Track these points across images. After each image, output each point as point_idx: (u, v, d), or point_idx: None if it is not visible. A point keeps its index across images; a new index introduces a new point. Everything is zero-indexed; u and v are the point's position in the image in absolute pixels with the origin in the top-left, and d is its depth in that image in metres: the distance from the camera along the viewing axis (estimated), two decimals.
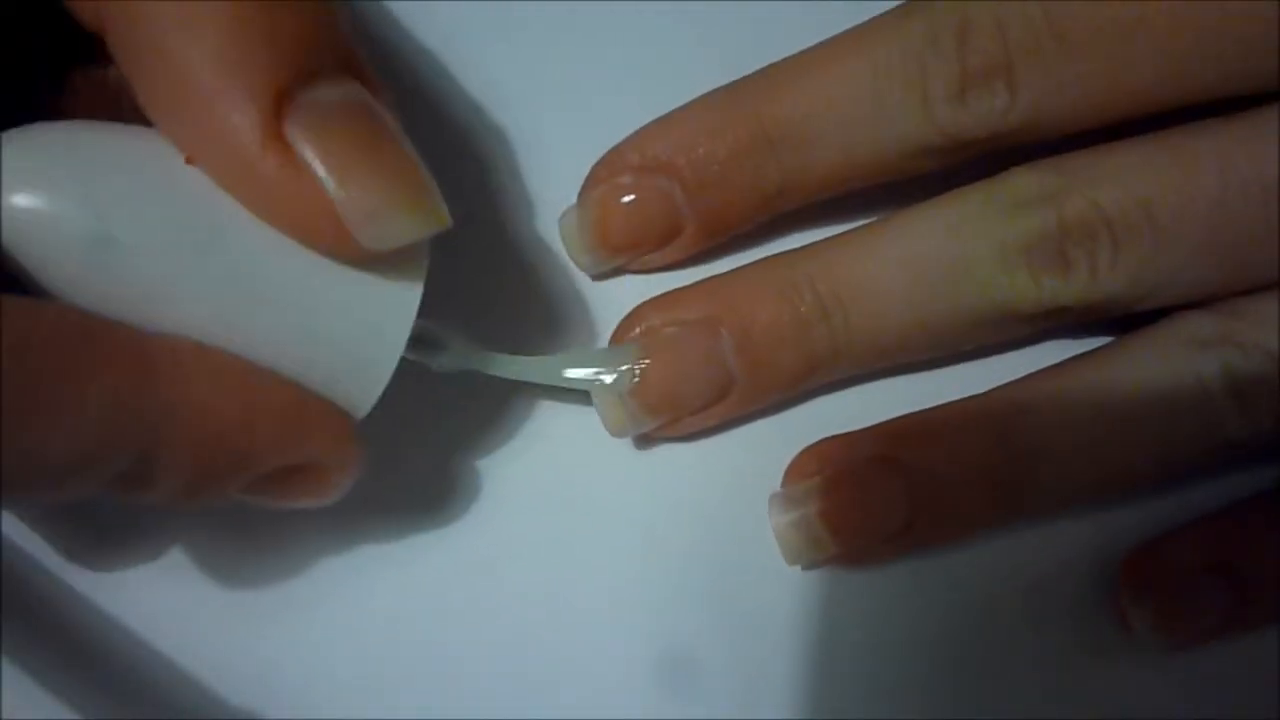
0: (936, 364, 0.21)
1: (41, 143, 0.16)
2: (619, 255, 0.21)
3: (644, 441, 0.21)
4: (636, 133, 0.21)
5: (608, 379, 0.20)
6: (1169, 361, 0.19)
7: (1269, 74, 0.18)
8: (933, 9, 0.19)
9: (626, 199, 0.21)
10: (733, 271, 0.21)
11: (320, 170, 0.15)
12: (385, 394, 0.17)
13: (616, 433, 0.20)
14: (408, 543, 0.21)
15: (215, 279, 0.16)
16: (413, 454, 0.21)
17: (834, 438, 0.21)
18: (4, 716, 0.18)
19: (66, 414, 0.14)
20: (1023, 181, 0.19)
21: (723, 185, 0.20)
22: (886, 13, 0.20)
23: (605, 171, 0.21)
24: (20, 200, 0.15)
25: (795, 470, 0.21)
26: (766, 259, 0.21)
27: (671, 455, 0.21)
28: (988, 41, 0.19)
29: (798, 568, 0.21)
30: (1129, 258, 0.19)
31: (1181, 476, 0.21)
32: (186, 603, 0.20)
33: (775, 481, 0.21)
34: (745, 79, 0.20)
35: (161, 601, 0.20)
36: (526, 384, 0.20)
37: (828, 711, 0.20)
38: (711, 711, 0.20)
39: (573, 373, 0.20)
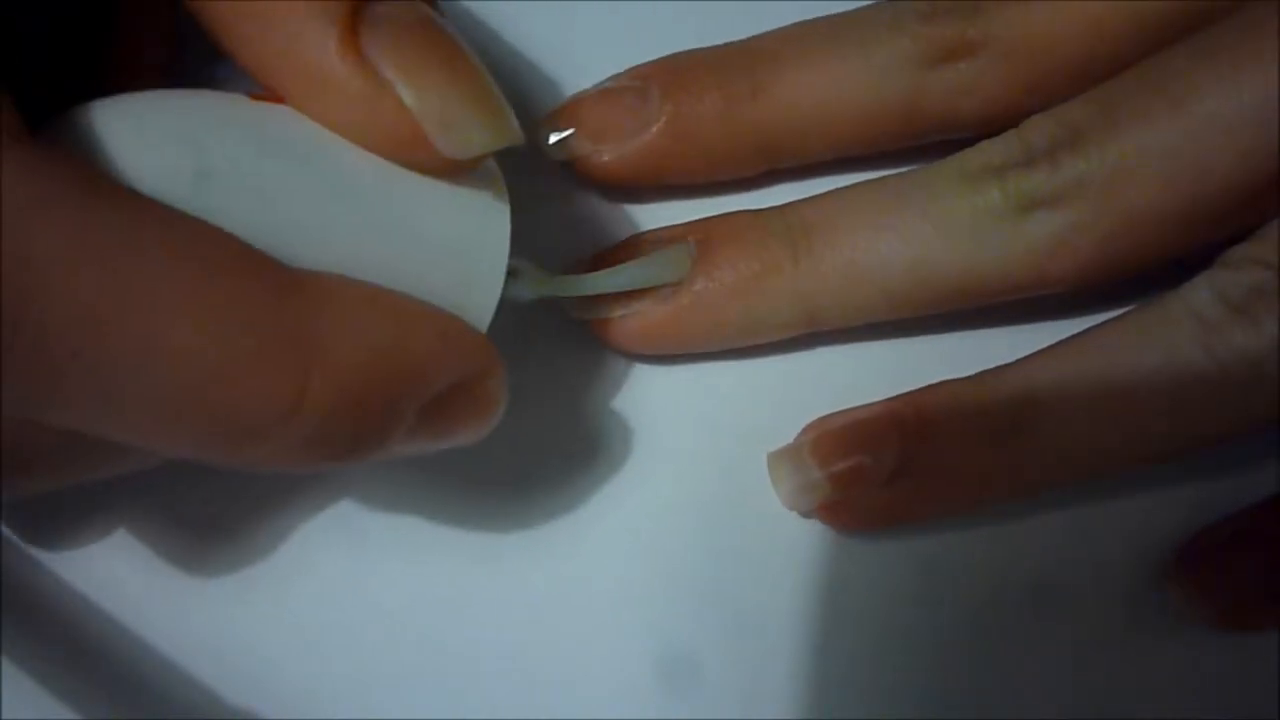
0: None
1: (126, 102, 0.16)
2: (579, 126, 0.21)
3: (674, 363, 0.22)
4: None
5: (669, 267, 0.21)
6: (1158, 308, 0.20)
7: None
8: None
9: (603, 87, 0.22)
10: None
11: (398, 80, 0.15)
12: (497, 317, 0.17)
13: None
14: (407, 542, 0.21)
15: (317, 205, 0.16)
16: (413, 450, 0.21)
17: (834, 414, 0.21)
18: (4, 717, 0.19)
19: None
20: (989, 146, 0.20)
21: (696, 86, 0.21)
22: None
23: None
24: (121, 144, 0.15)
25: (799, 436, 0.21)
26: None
27: (672, 455, 0.21)
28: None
29: (797, 564, 0.21)
30: (1090, 151, 0.19)
31: (1203, 443, 0.20)
32: (187, 603, 0.20)
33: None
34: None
35: (161, 602, 0.20)
36: (526, 385, 0.20)
37: (828, 711, 0.20)
38: (711, 711, 0.20)
39: (637, 273, 0.21)
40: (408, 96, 0.15)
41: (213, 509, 0.21)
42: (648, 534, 0.21)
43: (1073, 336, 0.20)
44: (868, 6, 0.22)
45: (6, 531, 0.20)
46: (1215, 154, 0.19)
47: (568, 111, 0.22)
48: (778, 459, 0.21)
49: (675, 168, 0.22)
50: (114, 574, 0.20)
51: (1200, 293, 0.19)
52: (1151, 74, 0.19)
